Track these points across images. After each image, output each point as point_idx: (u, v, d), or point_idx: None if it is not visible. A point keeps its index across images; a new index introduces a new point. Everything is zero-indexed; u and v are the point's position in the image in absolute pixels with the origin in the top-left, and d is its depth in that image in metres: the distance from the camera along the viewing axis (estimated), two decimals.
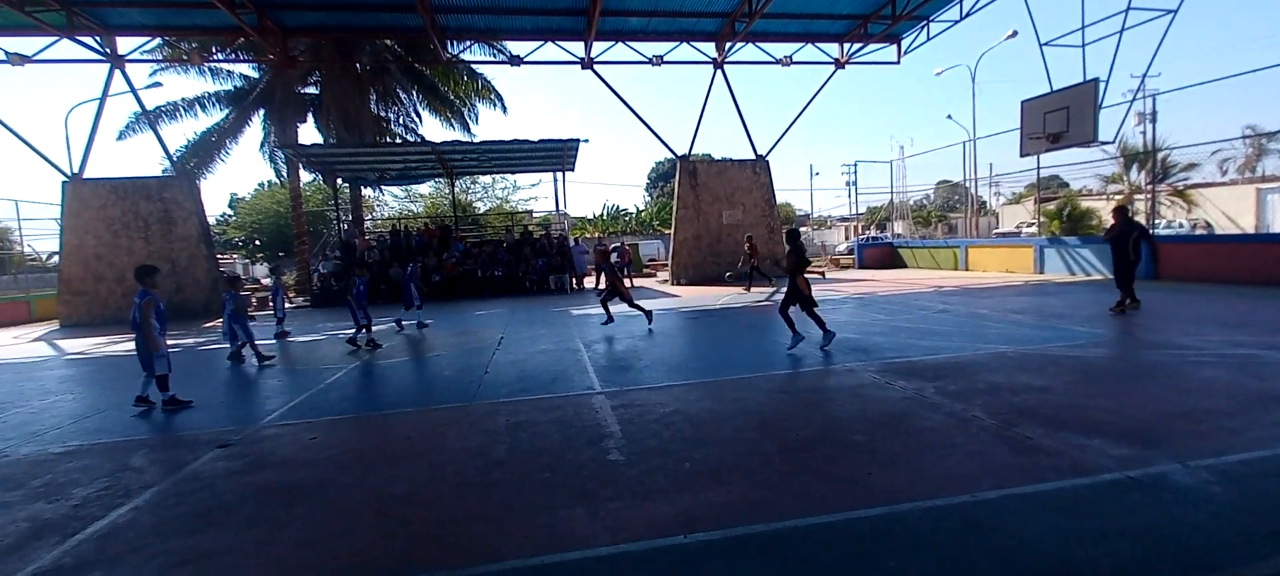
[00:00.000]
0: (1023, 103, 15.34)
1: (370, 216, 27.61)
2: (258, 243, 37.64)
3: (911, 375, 5.85)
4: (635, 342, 8.65)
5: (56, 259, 17.90)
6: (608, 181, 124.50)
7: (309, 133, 23.51)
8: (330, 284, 18.66)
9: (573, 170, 22.70)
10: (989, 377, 5.61)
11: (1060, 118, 14.05)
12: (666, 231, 35.21)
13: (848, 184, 42.47)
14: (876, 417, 4.60)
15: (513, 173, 29.08)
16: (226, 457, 4.49)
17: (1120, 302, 9.21)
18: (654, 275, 26.59)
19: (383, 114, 24.15)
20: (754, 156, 21.08)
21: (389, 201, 33.50)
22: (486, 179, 33.71)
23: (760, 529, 2.96)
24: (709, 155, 26.62)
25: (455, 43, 18.54)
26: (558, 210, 24.62)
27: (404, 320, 12.12)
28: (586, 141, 19.15)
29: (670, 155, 21.08)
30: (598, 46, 18.46)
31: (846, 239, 44.38)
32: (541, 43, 18.22)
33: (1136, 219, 9.63)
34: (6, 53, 15.79)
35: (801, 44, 19.79)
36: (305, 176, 22.82)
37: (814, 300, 7.18)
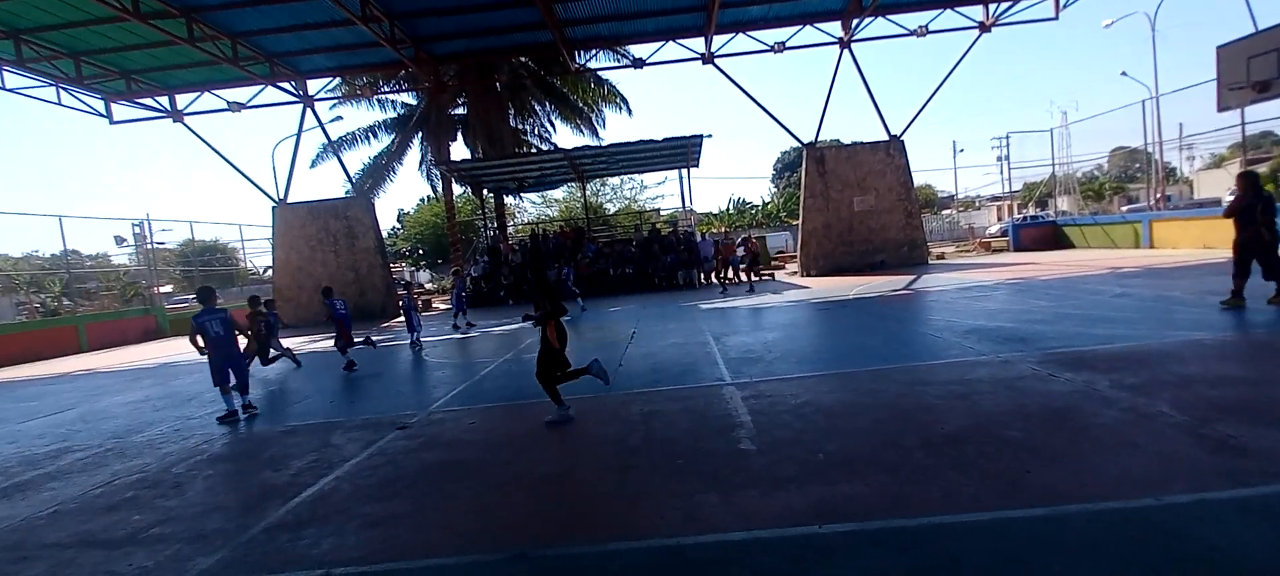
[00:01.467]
0: (1219, 49, 12.95)
1: (512, 223, 29.76)
2: (421, 252, 42.33)
3: (1079, 366, 5.24)
4: (765, 336, 8.57)
5: (270, 271, 21.38)
6: (732, 175, 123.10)
7: (458, 150, 25.94)
8: (481, 286, 20.45)
9: (697, 166, 22.86)
10: (1179, 369, 4.87)
11: (1268, 63, 11.68)
12: (794, 222, 34.12)
13: (999, 159, 38.31)
14: (1036, 412, 4.20)
15: (639, 172, 29.86)
16: (405, 437, 5.17)
17: (1237, 292, 7.22)
18: (783, 267, 25.93)
19: (520, 126, 25.99)
20: (887, 137, 19.81)
21: (527, 208, 35.90)
22: (615, 180, 34.92)
23: (901, 523, 2.86)
24: (837, 140, 25.43)
25: (582, 52, 19.45)
26: (683, 206, 24.89)
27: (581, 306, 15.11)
28: (710, 137, 19.22)
29: (796, 144, 20.47)
30: (717, 40, 18.41)
31: (999, 220, 40.11)
32: (662, 43, 18.55)
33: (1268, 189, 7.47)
34: (228, 101, 19.22)
35: (939, 10, 18.23)
36: (457, 189, 25.19)
37: (565, 360, 5.14)
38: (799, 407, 4.87)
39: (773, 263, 27.37)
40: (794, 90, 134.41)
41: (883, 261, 19.50)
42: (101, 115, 18.81)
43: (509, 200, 29.20)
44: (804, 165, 20.10)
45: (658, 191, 36.70)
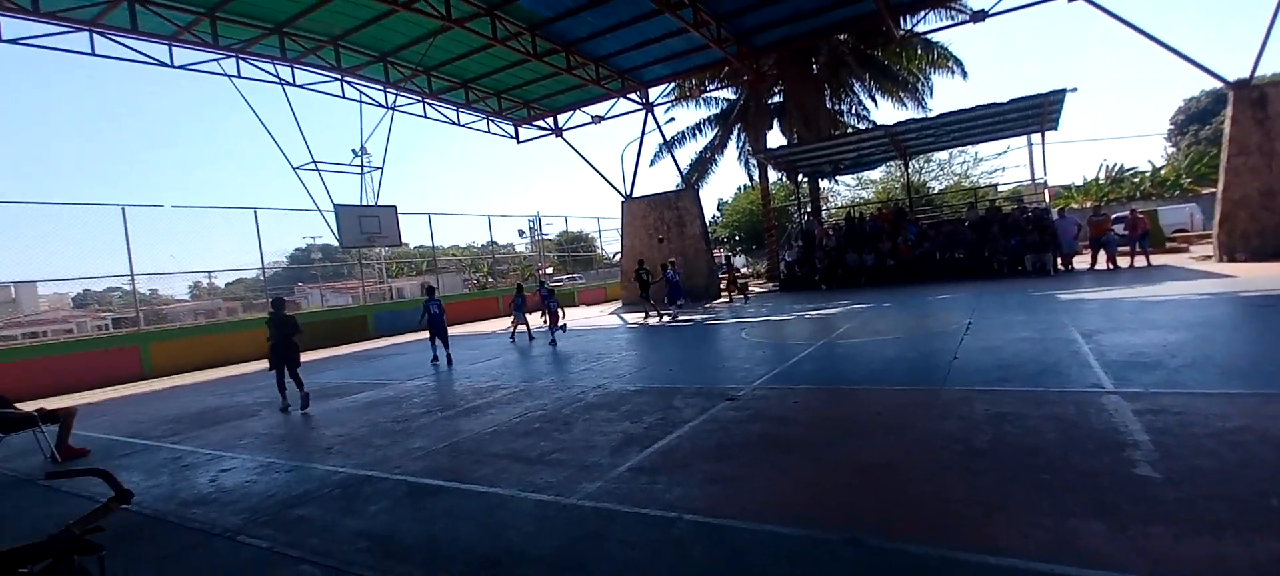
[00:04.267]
0: None
1: (826, 207, 29.15)
2: (737, 238, 44.93)
3: None
4: (1166, 336, 6.66)
5: (618, 256, 25.32)
6: (1102, 136, 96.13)
7: (774, 138, 26.52)
8: (795, 271, 20.61)
9: (1055, 128, 18.80)
10: None
11: None
12: (1206, 191, 25.36)
13: None
14: None
15: (976, 143, 25.93)
16: (733, 408, 5.61)
17: None
18: (1187, 249, 19.63)
19: (836, 108, 25.20)
20: None
21: (841, 191, 34.65)
22: (942, 155, 31.13)
23: None
24: None
25: (908, 16, 17.79)
26: (1032, 178, 20.77)
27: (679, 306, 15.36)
28: (1073, 90, 15.56)
29: (1214, 85, 15.07)
30: None
31: None
32: None
33: None
34: (591, 116, 23.38)
35: None
36: (772, 176, 25.84)
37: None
38: (1228, 433, 3.69)
39: (1168, 243, 20.99)
40: (1202, 19, 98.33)
41: None
42: (511, 137, 24.84)
43: (823, 184, 28.57)
44: (1229, 112, 14.63)
45: (996, 163, 31.09)
